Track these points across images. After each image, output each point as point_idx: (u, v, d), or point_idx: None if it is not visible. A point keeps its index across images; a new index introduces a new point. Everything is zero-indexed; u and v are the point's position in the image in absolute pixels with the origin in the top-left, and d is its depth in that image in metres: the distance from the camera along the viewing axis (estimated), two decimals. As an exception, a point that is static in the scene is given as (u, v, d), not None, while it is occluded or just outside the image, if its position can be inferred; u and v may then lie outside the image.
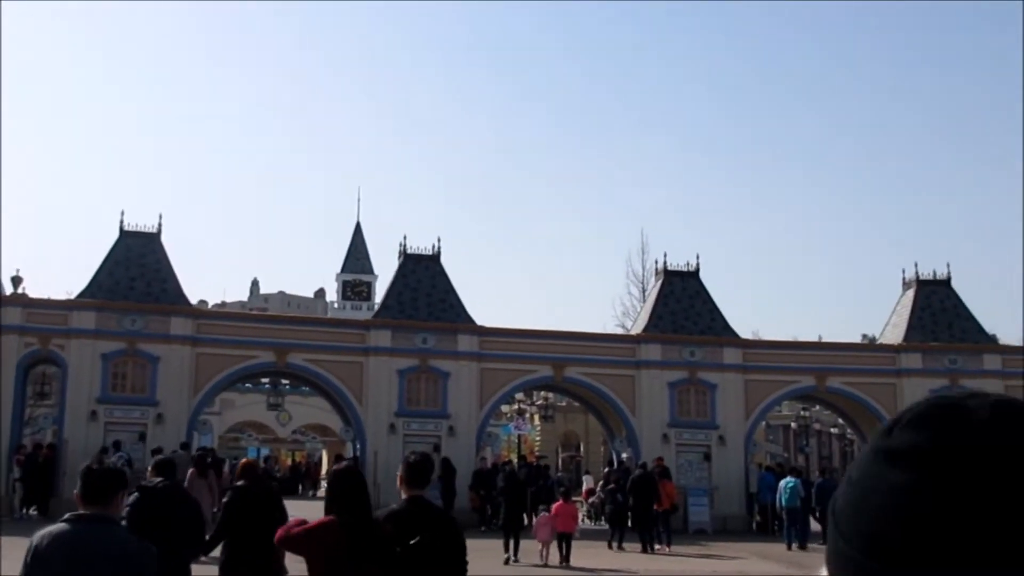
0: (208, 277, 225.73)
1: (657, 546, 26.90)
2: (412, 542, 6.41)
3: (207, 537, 9.41)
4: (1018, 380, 36.47)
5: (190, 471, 19.88)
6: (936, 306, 37.97)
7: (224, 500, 9.51)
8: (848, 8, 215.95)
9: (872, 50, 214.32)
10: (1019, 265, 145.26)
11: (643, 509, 27.18)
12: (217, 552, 9.57)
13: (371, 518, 6.51)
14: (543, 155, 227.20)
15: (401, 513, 6.68)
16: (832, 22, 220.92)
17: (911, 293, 38.44)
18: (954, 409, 1.06)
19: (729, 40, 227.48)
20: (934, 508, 1.00)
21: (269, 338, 34.27)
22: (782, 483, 29.27)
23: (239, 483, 9.39)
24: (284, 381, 48.75)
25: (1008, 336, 43.62)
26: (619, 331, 45.47)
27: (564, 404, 58.70)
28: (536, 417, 60.18)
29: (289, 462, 63.12)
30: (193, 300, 36.47)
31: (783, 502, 28.71)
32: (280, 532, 6.59)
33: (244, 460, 10.36)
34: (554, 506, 23.41)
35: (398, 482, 6.98)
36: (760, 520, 33.78)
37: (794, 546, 27.95)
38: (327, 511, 6.51)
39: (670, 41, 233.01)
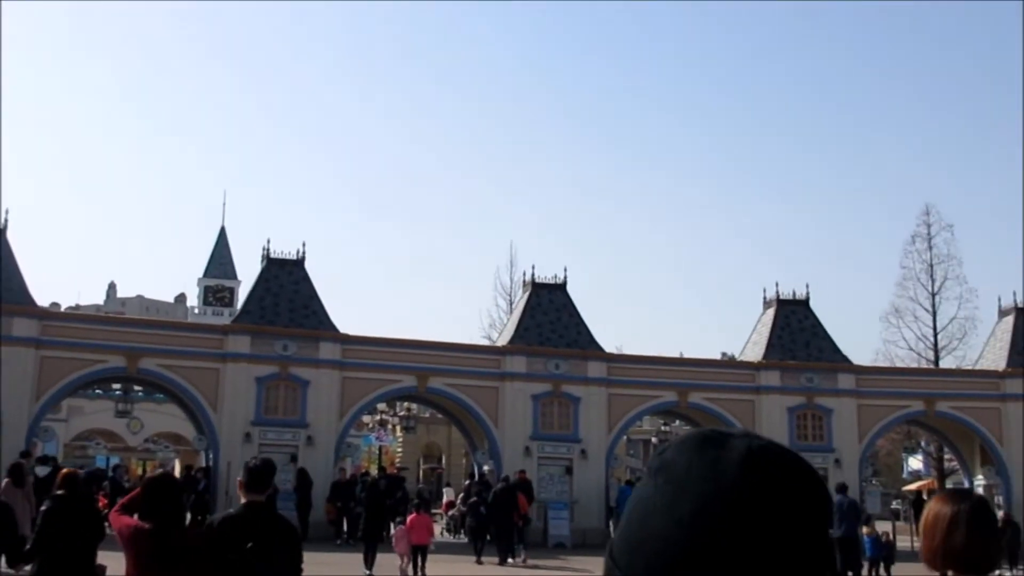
0: (62, 279, 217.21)
1: (512, 559, 26.70)
2: (248, 547, 6.22)
3: (26, 547, 8.71)
4: (870, 399, 37.77)
5: (4, 481, 18.34)
6: (795, 325, 38.93)
7: (42, 508, 8.81)
8: (718, 10, 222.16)
9: (739, 64, 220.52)
10: (873, 287, 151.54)
11: (504, 522, 27.00)
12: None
13: (182, 525, 6.50)
14: (413, 163, 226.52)
15: (236, 518, 6.48)
16: (709, 30, 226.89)
17: (771, 312, 39.34)
18: (713, 443, 1.14)
19: (596, 53, 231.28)
20: (658, 524, 1.12)
21: (120, 342, 32.84)
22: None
23: (58, 492, 8.72)
24: (136, 387, 46.93)
25: (860, 356, 45.02)
26: (485, 343, 45.24)
27: (427, 415, 58.26)
28: (398, 428, 59.57)
29: (140, 472, 60.95)
30: (44, 302, 34.87)
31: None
32: (114, 513, 6.62)
33: (65, 470, 9.76)
34: (409, 518, 23.00)
35: (238, 487, 6.74)
36: (619, 534, 33.86)
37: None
38: (140, 518, 6.43)
39: (539, 52, 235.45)
